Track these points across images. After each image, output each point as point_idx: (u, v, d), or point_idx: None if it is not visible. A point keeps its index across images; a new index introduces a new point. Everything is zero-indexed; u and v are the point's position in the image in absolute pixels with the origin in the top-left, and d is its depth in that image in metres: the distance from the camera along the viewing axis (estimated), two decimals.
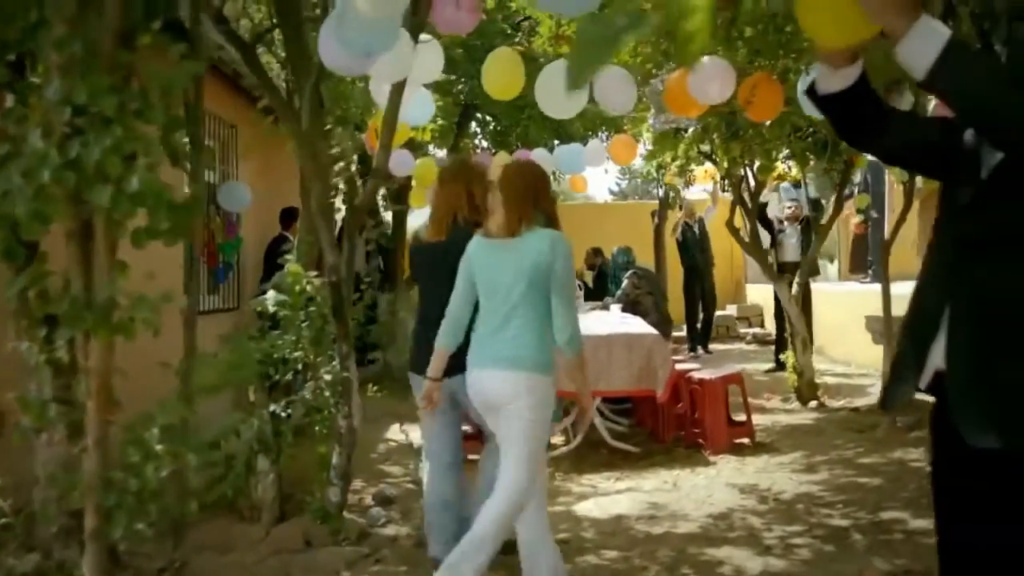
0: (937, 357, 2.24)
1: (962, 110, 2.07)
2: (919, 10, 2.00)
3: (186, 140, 4.01)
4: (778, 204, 13.13)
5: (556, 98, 5.48)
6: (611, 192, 39.52)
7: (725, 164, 9.00)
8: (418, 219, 17.23)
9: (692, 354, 13.40)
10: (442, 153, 13.13)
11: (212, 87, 5.94)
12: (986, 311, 2.18)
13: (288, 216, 9.68)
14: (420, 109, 6.26)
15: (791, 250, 11.78)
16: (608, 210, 22.77)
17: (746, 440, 7.34)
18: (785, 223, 11.94)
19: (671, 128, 8.81)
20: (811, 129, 8.84)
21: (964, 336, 2.20)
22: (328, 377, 5.17)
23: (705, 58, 5.47)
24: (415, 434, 7.67)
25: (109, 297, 2.33)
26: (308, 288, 5.12)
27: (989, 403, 2.16)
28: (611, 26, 1.07)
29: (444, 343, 4.21)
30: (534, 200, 4.04)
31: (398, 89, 5.22)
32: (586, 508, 5.69)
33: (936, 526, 2.41)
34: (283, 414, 5.25)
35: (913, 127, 2.44)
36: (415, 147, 11.90)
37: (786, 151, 9.32)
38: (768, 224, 11.69)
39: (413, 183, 9.84)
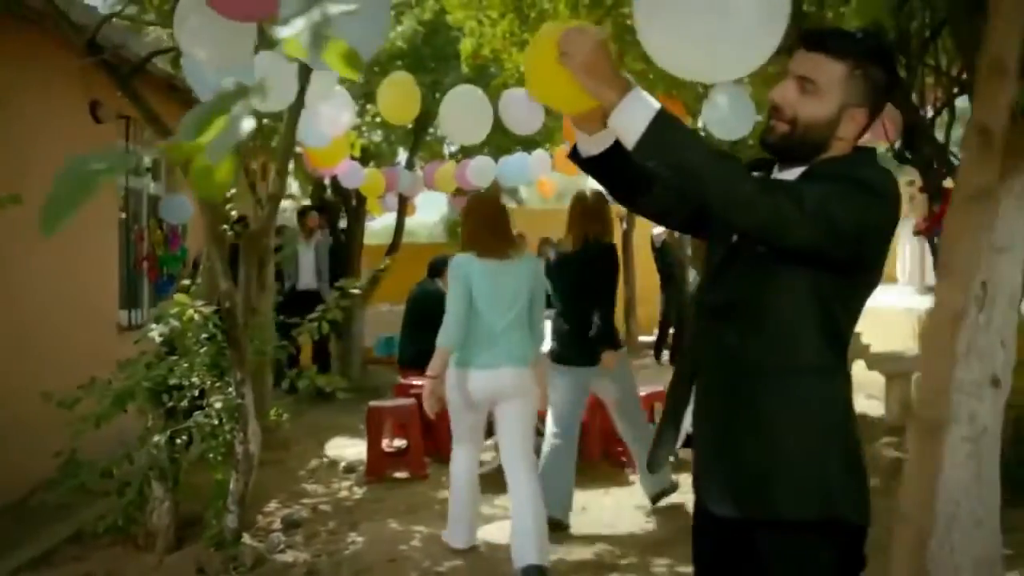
0: (688, 421, 2.26)
1: (670, 178, 2.10)
2: (630, 84, 2.03)
3: None
4: None
5: (460, 123, 5.46)
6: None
7: None
8: (376, 226, 17.28)
9: (658, 363, 13.38)
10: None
11: (155, 97, 5.90)
12: (727, 379, 2.17)
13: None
14: (330, 127, 6.22)
15: None
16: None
17: (671, 459, 7.30)
18: None
19: None
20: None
21: (705, 403, 2.21)
22: (219, 404, 5.14)
23: None
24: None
25: None
26: (196, 316, 5.08)
27: (727, 471, 2.16)
28: (88, 167, 1.03)
29: (449, 344, 4.91)
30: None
31: (293, 115, 5.20)
32: (487, 532, 5.66)
33: None
34: (177, 441, 5.23)
35: (677, 188, 2.43)
36: (371, 157, 11.91)
37: None
38: None
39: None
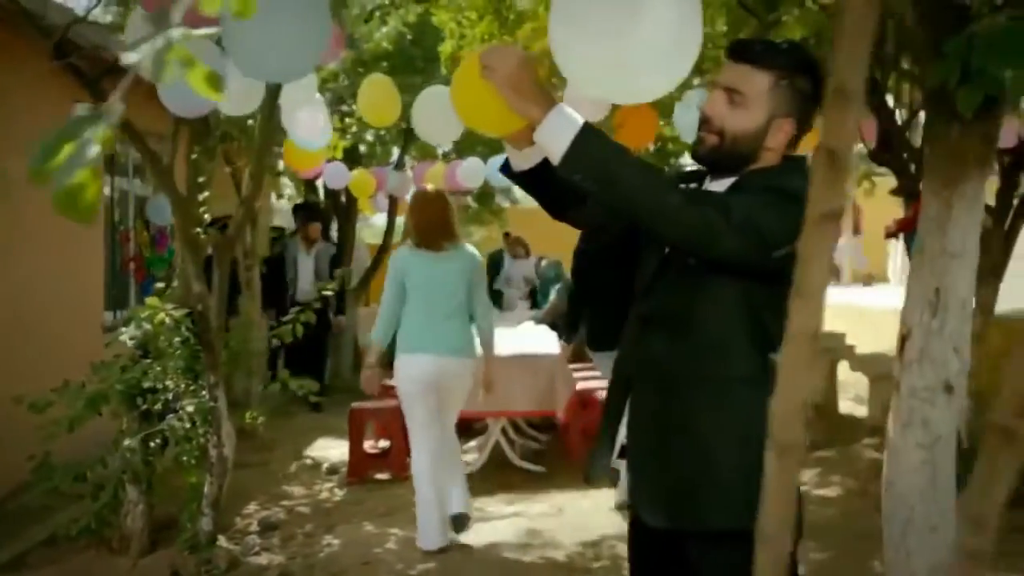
0: (623, 432, 2.27)
1: (595, 193, 2.09)
2: (554, 101, 2.05)
3: None
4: None
5: (432, 124, 5.46)
6: None
7: None
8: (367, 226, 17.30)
9: None
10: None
11: (138, 99, 5.89)
12: (659, 389, 2.18)
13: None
14: (312, 133, 6.22)
15: None
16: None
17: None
18: None
19: None
20: None
21: (638, 413, 2.22)
22: (191, 408, 5.15)
23: None
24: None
25: None
26: (167, 320, 5.09)
27: (659, 481, 2.17)
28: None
29: (378, 339, 5.37)
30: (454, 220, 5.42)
31: (265, 119, 5.21)
32: (463, 535, 5.67)
33: None
34: (151, 444, 5.24)
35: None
36: (359, 159, 11.92)
37: None
38: None
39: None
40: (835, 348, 8.79)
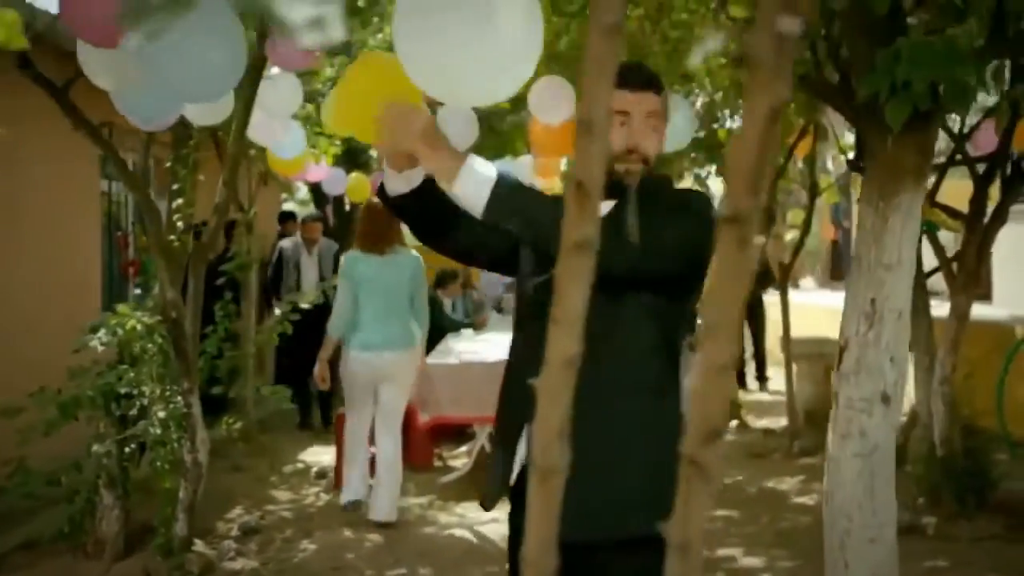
0: (523, 452, 2.26)
1: (521, 235, 2.20)
2: (463, 156, 2.12)
3: None
4: None
5: None
6: None
7: None
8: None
9: None
10: None
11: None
12: (578, 403, 2.19)
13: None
14: (289, 141, 6.28)
15: None
16: None
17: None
18: None
19: None
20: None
21: None
22: (162, 414, 5.20)
23: (544, 79, 5.56)
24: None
25: None
26: (139, 327, 5.15)
27: (580, 494, 2.18)
28: None
29: (332, 333, 6.10)
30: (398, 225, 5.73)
31: (239, 127, 5.25)
32: (440, 541, 5.70)
33: None
34: (126, 449, 5.30)
35: (483, 226, 2.43)
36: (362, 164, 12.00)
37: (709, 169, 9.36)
38: None
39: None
40: (828, 354, 8.75)
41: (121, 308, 5.22)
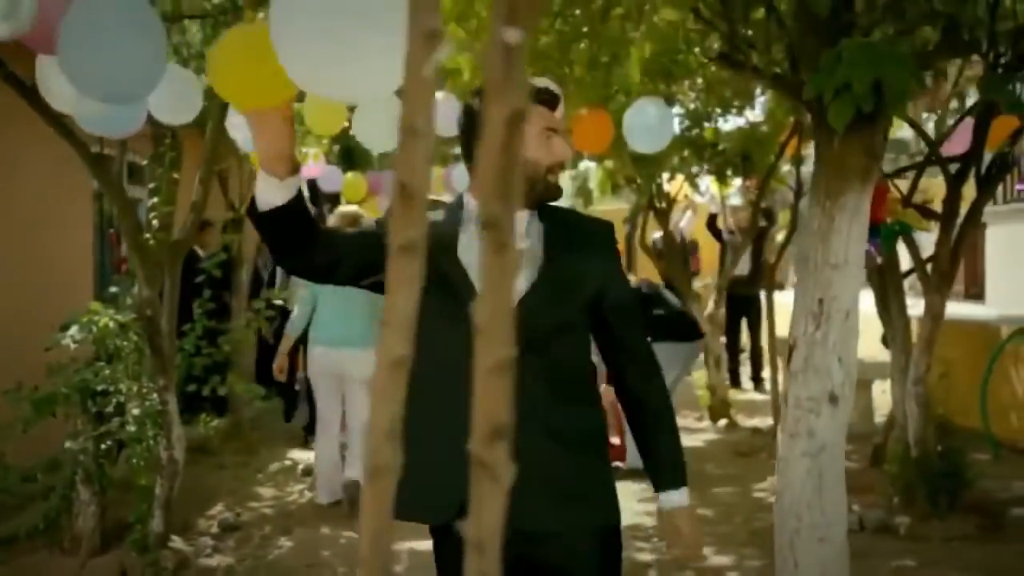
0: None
1: None
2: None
3: None
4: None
5: (373, 131, 5.52)
6: None
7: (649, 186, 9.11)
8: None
9: None
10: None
11: None
12: (535, 412, 2.27)
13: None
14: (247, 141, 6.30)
15: (742, 262, 11.49)
16: None
17: (619, 464, 7.33)
18: (736, 234, 11.64)
19: None
20: (720, 147, 8.92)
21: (523, 431, 2.31)
22: (137, 411, 5.23)
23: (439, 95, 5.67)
24: None
25: None
26: (112, 324, 5.19)
27: (550, 489, 2.30)
28: None
29: (291, 332, 6.50)
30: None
31: (215, 125, 5.29)
32: (409, 538, 5.72)
33: None
34: (103, 445, 5.34)
35: (341, 242, 2.43)
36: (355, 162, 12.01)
37: (700, 168, 9.37)
38: (717, 234, 11.53)
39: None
40: None
41: (93, 305, 5.26)
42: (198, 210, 5.39)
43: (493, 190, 0.91)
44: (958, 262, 5.41)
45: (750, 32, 4.63)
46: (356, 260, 2.35)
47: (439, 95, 6.14)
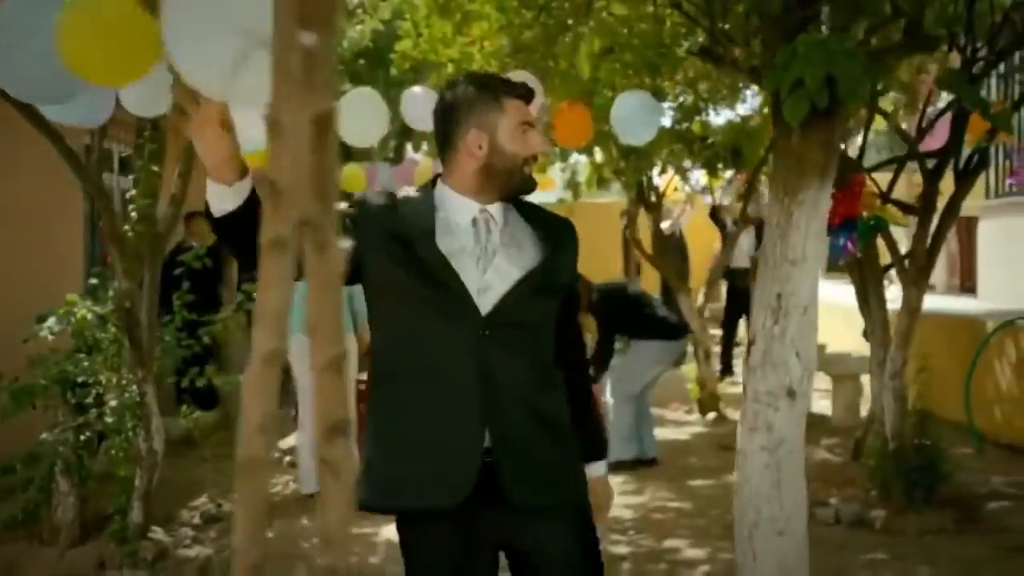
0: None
1: None
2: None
3: None
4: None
5: (356, 125, 5.54)
6: None
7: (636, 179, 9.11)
8: None
9: None
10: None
11: None
12: (520, 394, 2.41)
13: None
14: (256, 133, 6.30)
15: (741, 255, 11.43)
16: (574, 210, 22.46)
17: None
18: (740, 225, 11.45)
19: None
20: (709, 141, 8.93)
21: (501, 414, 2.40)
22: (114, 402, 5.26)
23: (415, 88, 5.70)
24: None
25: None
26: (90, 316, 5.22)
27: (537, 466, 2.40)
28: None
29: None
30: None
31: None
32: (386, 530, 5.74)
33: None
34: (82, 436, 5.37)
35: None
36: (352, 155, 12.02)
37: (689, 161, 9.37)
38: (722, 224, 11.44)
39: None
40: None
41: (70, 297, 5.28)
42: (177, 204, 5.42)
43: (312, 192, 0.93)
44: (935, 257, 5.43)
45: (728, 27, 4.64)
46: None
47: (416, 89, 6.16)
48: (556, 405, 2.46)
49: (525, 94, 2.43)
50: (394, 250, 2.32)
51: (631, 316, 7.10)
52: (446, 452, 2.35)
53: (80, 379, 5.44)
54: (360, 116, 5.34)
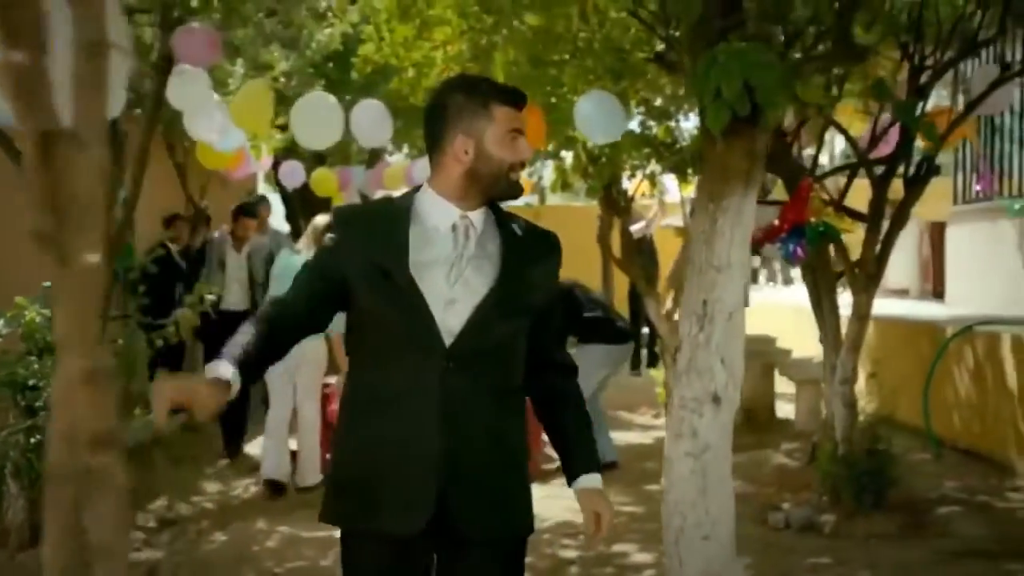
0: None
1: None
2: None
3: None
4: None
5: (311, 129, 5.55)
6: None
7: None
8: None
9: (634, 372, 12.90)
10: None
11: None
12: (483, 411, 2.36)
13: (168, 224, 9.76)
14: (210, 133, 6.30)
15: None
16: (548, 213, 22.35)
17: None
18: None
19: None
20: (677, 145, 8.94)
21: (462, 431, 2.35)
22: None
23: (364, 102, 5.71)
24: None
25: None
26: (38, 318, 5.21)
27: (490, 493, 2.36)
28: None
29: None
30: None
31: (149, 120, 5.31)
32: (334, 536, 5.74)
33: None
34: (32, 439, 5.36)
35: (308, 295, 2.46)
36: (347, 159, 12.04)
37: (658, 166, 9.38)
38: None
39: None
40: (765, 352, 8.79)
41: (19, 300, 5.27)
42: (129, 206, 5.41)
43: (43, 206, 0.94)
44: (885, 264, 5.45)
45: (679, 34, 4.67)
46: (321, 303, 2.40)
47: (367, 103, 6.16)
48: (517, 432, 2.43)
49: (515, 101, 2.42)
50: (373, 277, 2.32)
51: (573, 319, 7.11)
52: (406, 482, 2.35)
53: (31, 382, 5.42)
54: (315, 120, 5.35)
